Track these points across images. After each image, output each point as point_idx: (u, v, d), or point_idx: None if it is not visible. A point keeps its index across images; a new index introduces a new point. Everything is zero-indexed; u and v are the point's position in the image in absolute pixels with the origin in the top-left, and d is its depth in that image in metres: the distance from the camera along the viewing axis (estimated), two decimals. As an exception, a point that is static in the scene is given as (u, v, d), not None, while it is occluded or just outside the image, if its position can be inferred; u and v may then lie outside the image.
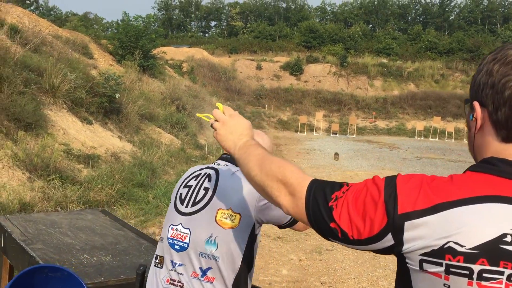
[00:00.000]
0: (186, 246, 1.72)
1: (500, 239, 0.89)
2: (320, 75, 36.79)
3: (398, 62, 38.92)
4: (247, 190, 1.70)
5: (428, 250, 0.93)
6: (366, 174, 12.44)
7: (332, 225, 1.02)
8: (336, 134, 25.89)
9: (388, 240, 0.97)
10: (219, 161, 1.90)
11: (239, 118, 1.39)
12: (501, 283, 0.90)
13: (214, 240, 1.69)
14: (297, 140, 21.97)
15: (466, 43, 41.98)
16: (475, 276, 0.90)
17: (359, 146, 20.73)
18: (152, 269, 1.81)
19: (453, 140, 25.31)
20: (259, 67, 36.44)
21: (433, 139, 25.61)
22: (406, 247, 0.95)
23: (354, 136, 25.91)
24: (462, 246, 0.90)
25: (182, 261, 1.72)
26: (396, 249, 0.98)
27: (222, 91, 30.05)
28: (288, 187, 1.12)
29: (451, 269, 0.91)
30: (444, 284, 0.93)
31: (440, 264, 0.92)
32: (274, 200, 1.17)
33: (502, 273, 0.89)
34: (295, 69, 36.42)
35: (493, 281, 0.90)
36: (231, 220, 1.69)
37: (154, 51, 18.27)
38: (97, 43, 16.99)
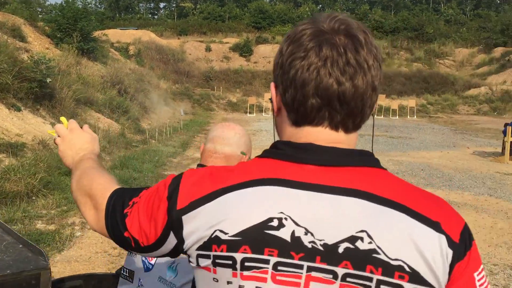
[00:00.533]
0: (151, 267, 1.65)
1: (266, 223, 0.80)
2: (270, 55, 36.65)
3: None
4: None
5: (201, 243, 0.84)
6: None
7: (125, 234, 0.92)
8: (285, 114, 25.91)
9: (172, 240, 0.88)
10: None
11: (80, 132, 1.24)
12: (266, 272, 0.80)
13: (176, 267, 1.60)
14: (246, 122, 21.83)
15: (410, 22, 42.77)
16: (238, 265, 0.81)
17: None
18: (122, 281, 1.72)
19: (397, 117, 25.80)
20: (208, 49, 35.98)
21: (379, 117, 26.00)
22: (186, 244, 0.86)
23: (303, 115, 26.02)
24: (226, 233, 0.81)
25: (144, 283, 1.65)
26: (180, 249, 0.89)
27: (171, 73, 29.49)
28: (93, 200, 1.00)
29: (217, 260, 0.83)
30: (214, 278, 0.84)
31: (208, 257, 0.84)
32: (84, 217, 1.04)
33: (267, 262, 0.80)
34: (244, 50, 36.18)
35: (256, 270, 0.80)
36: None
37: (95, 34, 17.61)
38: (33, 26, 16.20)
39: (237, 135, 1.58)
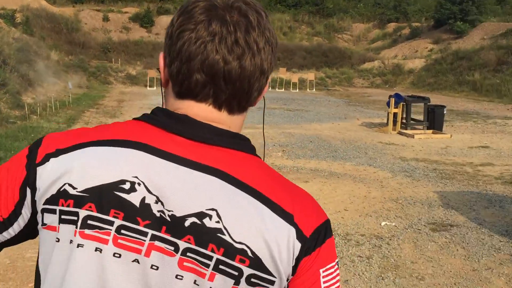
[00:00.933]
0: None
1: (117, 185, 0.78)
2: (172, 27, 35.70)
3: (249, 14, 39.05)
4: None
5: (49, 195, 0.80)
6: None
7: None
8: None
9: (27, 210, 0.83)
10: None
11: None
12: (108, 234, 0.78)
13: None
14: (144, 95, 21.05)
15: (312, -3, 43.38)
16: (79, 222, 0.78)
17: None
18: None
19: (297, 90, 26.24)
20: (106, 19, 34.13)
21: (280, 90, 26.32)
22: (36, 198, 0.82)
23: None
24: (74, 188, 0.79)
25: None
26: (34, 222, 0.84)
27: (64, 44, 27.66)
28: None
29: (62, 216, 0.80)
30: (56, 238, 0.80)
31: (54, 211, 0.80)
32: None
33: (111, 223, 0.78)
34: (145, 20, 34.83)
35: (98, 230, 0.78)
36: None
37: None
38: None
39: None
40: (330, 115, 16.01)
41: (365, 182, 7.25)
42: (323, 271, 0.82)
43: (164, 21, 35.62)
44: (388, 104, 12.57)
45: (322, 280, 0.82)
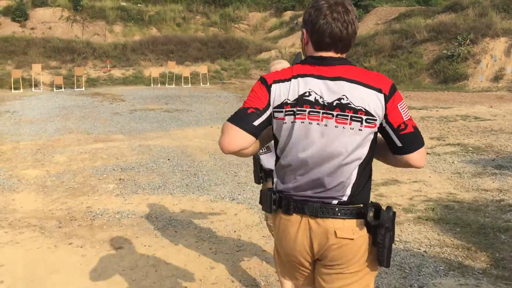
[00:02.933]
0: None
1: (304, 94, 1.79)
2: (51, 20, 31.10)
3: (139, 5, 35.27)
4: None
5: (277, 104, 1.82)
6: (30, 144, 8.96)
7: (249, 111, 1.89)
8: (61, 88, 21.52)
9: (266, 100, 1.86)
10: None
11: None
12: (305, 115, 1.78)
13: None
14: (2, 99, 17.13)
15: (207, -14, 40.30)
16: (294, 113, 1.79)
17: (78, 101, 16.97)
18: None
19: (189, 85, 23.30)
20: (-32, 13, 28.91)
21: (170, 86, 23.23)
22: (271, 103, 1.84)
23: (83, 89, 21.92)
24: (289, 100, 1.80)
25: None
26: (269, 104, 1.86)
27: None
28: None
29: (286, 113, 1.81)
30: (284, 122, 1.82)
31: (281, 112, 1.82)
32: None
33: (305, 111, 1.78)
34: (17, 14, 30.00)
35: (301, 114, 1.78)
36: None
37: None
38: None
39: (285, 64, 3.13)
40: (213, 115, 13.28)
41: (211, 239, 4.57)
42: (399, 105, 1.78)
43: (40, 14, 31.00)
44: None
45: (399, 107, 1.77)
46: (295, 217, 1.77)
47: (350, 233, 1.71)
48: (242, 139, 1.78)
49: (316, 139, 1.75)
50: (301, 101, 1.76)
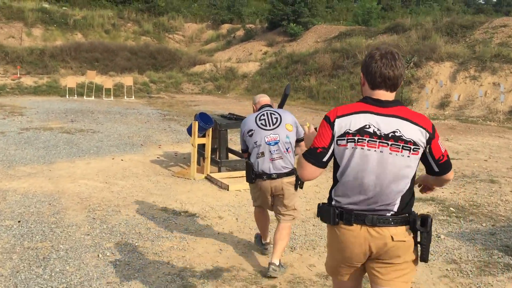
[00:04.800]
0: (278, 141, 3.92)
1: (364, 126, 2.14)
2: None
3: (63, 8, 31.51)
4: (292, 117, 4.07)
5: (340, 134, 2.17)
6: None
7: (318, 151, 2.24)
8: (-46, 96, 17.71)
9: (330, 135, 2.22)
10: (267, 108, 4.14)
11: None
12: (364, 143, 2.14)
13: (288, 135, 3.97)
14: None
15: (142, -6, 37.13)
16: (356, 141, 2.15)
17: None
18: (256, 159, 3.95)
19: (112, 98, 20.13)
20: None
21: (89, 98, 19.94)
22: (333, 134, 2.19)
23: (-18, 98, 18.16)
24: (351, 130, 2.15)
25: (277, 149, 3.92)
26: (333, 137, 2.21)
27: None
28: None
29: (347, 140, 2.16)
30: (345, 148, 2.16)
31: (343, 140, 2.16)
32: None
33: (365, 139, 2.14)
34: None
35: (362, 142, 2.14)
36: (290, 127, 4.00)
37: None
38: None
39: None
40: (123, 139, 10.40)
41: None
42: (439, 141, 2.17)
43: None
44: (189, 130, 7.40)
45: (439, 144, 2.18)
46: (356, 227, 2.15)
47: (403, 237, 2.15)
48: (316, 172, 2.25)
49: (373, 164, 2.14)
50: (362, 132, 2.14)
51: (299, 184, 3.98)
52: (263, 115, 4.04)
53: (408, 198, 2.17)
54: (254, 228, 5.04)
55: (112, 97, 20.37)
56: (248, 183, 4.17)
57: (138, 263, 4.06)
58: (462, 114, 15.35)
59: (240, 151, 4.46)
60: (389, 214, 2.14)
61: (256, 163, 3.93)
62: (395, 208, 2.14)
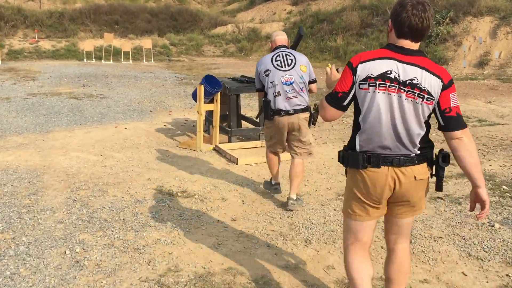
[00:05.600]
0: (293, 81, 4.07)
1: (386, 72, 2.16)
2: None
3: (83, -31, 30.35)
4: (305, 59, 4.22)
5: (361, 78, 2.20)
6: None
7: (339, 95, 2.28)
8: (-30, 61, 17.20)
9: (351, 79, 2.24)
10: (283, 48, 4.24)
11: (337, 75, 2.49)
12: (385, 88, 2.17)
13: (302, 76, 4.10)
14: None
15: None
16: (377, 85, 2.18)
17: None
18: (273, 98, 4.10)
19: (130, 62, 19.29)
20: None
21: (108, 62, 19.15)
22: (356, 79, 2.22)
23: (-1, 63, 17.60)
24: (373, 74, 2.18)
25: (292, 88, 4.08)
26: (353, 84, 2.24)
27: None
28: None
29: (369, 84, 2.18)
30: (367, 92, 2.20)
31: (365, 84, 2.19)
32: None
33: (386, 84, 2.16)
34: None
35: (383, 86, 2.17)
36: (304, 68, 4.13)
37: None
38: None
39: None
40: (132, 105, 9.56)
41: None
42: (452, 95, 2.17)
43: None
44: (194, 95, 6.44)
45: (450, 96, 2.17)
46: (383, 169, 2.23)
47: (424, 175, 2.27)
48: (336, 114, 2.32)
49: (394, 107, 2.18)
50: (384, 76, 2.17)
51: (312, 121, 4.15)
52: (279, 56, 4.17)
53: (427, 139, 2.27)
54: (261, 213, 4.12)
55: (130, 60, 19.53)
56: (263, 124, 4.47)
57: (112, 263, 3.21)
58: (503, 73, 13.82)
59: (258, 93, 4.52)
60: (413, 155, 2.24)
61: (273, 101, 4.10)
62: (417, 149, 2.24)
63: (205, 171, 5.33)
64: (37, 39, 20.84)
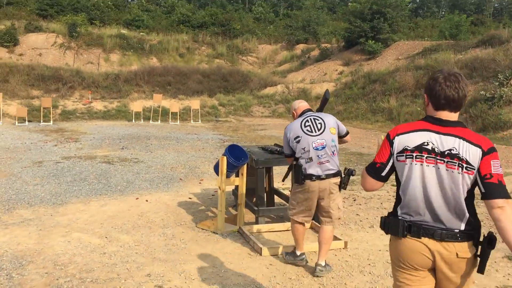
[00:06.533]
0: (325, 145, 4.01)
1: (423, 143, 2.19)
2: (43, 47, 27.54)
3: (141, 34, 31.64)
4: (333, 119, 4.17)
5: (399, 150, 2.25)
6: None
7: (377, 166, 2.35)
8: (25, 122, 17.57)
9: (388, 151, 2.32)
10: (309, 113, 4.22)
11: None
12: (422, 160, 2.19)
13: (333, 139, 4.07)
14: None
15: (219, 17, 36.74)
16: (414, 157, 2.20)
17: (15, 140, 12.82)
18: (305, 164, 4.04)
19: (178, 123, 19.07)
20: (-51, 36, 25.63)
21: (155, 122, 19.05)
22: (392, 151, 2.28)
23: (51, 123, 17.88)
24: (409, 147, 2.22)
25: (324, 153, 4.01)
26: (391, 156, 2.31)
27: None
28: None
29: (406, 156, 2.22)
30: (405, 164, 2.23)
31: (402, 156, 2.24)
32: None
33: (423, 156, 2.19)
34: (6, 39, 26.54)
35: (420, 158, 2.19)
36: (334, 131, 4.09)
37: None
38: None
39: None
40: (164, 171, 8.87)
41: None
42: (493, 161, 2.12)
43: (32, 40, 27.51)
44: (216, 168, 5.58)
45: (492, 163, 2.12)
46: (423, 239, 2.21)
47: (467, 254, 2.18)
48: (376, 184, 2.39)
49: (432, 180, 2.19)
50: (420, 148, 2.20)
51: (342, 185, 4.10)
52: (308, 121, 4.13)
53: (473, 216, 2.19)
54: None
55: (178, 121, 19.33)
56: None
57: None
58: None
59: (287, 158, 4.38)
60: (457, 231, 2.17)
61: (304, 167, 4.05)
62: (462, 227, 2.17)
63: (219, 265, 4.33)
64: (90, 99, 21.25)
